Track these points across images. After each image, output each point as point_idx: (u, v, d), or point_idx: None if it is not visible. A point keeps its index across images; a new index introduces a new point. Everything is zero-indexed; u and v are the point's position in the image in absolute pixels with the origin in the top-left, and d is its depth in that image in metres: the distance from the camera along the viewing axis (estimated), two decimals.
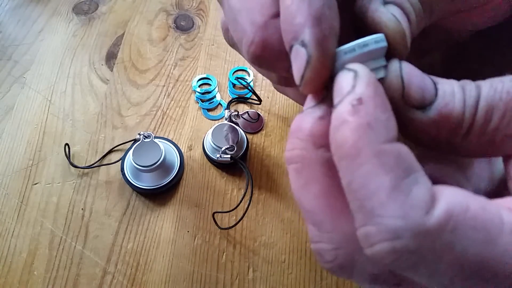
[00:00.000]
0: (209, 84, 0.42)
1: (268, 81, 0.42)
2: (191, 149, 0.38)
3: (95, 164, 0.37)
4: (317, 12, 0.14)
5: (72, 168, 0.37)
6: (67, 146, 0.37)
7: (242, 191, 0.36)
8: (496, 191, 0.16)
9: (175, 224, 0.34)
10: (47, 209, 0.35)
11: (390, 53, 0.15)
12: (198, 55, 0.44)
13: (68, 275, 0.32)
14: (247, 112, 0.39)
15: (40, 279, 0.32)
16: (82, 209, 0.35)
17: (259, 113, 0.40)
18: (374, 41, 0.14)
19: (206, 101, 0.41)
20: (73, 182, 0.36)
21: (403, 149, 0.12)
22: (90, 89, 0.42)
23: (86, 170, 0.37)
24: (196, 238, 0.34)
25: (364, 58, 0.14)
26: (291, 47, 0.14)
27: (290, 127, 0.15)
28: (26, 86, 0.42)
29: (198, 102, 0.41)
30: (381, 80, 0.14)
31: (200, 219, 0.35)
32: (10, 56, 0.45)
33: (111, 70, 0.43)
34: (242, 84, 0.41)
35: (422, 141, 0.15)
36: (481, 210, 0.12)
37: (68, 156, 0.37)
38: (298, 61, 0.14)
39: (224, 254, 0.33)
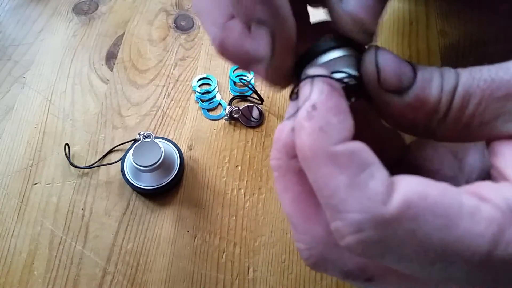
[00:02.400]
0: (209, 84, 0.42)
1: None
2: (191, 149, 0.38)
3: (95, 164, 0.37)
4: None
5: (72, 168, 0.37)
6: (67, 146, 0.37)
7: (242, 191, 0.36)
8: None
9: (175, 224, 0.34)
10: (47, 209, 0.35)
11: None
12: (198, 55, 0.44)
13: (68, 275, 0.32)
14: (247, 106, 0.39)
15: (40, 279, 0.32)
16: (82, 209, 0.35)
17: (259, 108, 0.40)
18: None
19: (206, 101, 0.41)
20: (73, 182, 0.36)
21: (357, 147, 0.13)
22: (90, 89, 0.42)
23: (86, 170, 0.37)
24: (196, 238, 0.34)
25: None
26: (251, 29, 0.15)
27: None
28: (26, 86, 0.42)
29: (198, 102, 0.41)
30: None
31: (200, 219, 0.35)
32: (10, 56, 0.45)
33: (111, 70, 0.43)
34: (243, 82, 0.41)
35: (400, 125, 0.16)
36: (440, 197, 0.12)
37: (68, 156, 0.37)
38: (258, 38, 0.15)
39: (224, 254, 0.33)
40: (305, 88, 0.14)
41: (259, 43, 0.15)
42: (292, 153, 0.15)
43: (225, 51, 0.16)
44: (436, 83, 0.14)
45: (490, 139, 0.15)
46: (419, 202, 0.12)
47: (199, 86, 0.42)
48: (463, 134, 0.15)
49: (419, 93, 0.14)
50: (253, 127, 0.39)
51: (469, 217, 0.12)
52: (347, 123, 0.14)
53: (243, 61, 0.16)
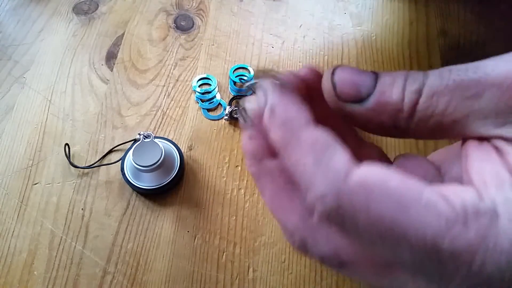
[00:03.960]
0: (209, 84, 0.42)
1: None
2: (191, 149, 0.38)
3: (95, 164, 0.37)
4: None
5: (72, 168, 0.37)
6: (67, 146, 0.37)
7: (242, 191, 0.36)
8: None
9: (175, 224, 0.34)
10: (47, 209, 0.35)
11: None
12: (198, 55, 0.44)
13: (68, 275, 0.32)
14: None
15: (40, 279, 0.32)
16: (82, 209, 0.35)
17: None
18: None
19: (206, 101, 0.41)
20: (73, 182, 0.36)
21: (319, 131, 0.15)
22: (90, 89, 0.42)
23: (86, 170, 0.37)
24: (196, 238, 0.34)
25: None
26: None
27: None
28: (26, 86, 0.42)
29: (198, 102, 0.41)
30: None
31: (200, 219, 0.35)
32: (10, 56, 0.45)
33: (111, 70, 0.43)
34: (242, 82, 0.41)
35: (369, 128, 0.17)
36: (401, 184, 0.14)
37: (68, 156, 0.37)
38: None
39: (224, 254, 0.33)
40: (258, 96, 0.17)
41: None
42: (259, 157, 0.18)
43: None
44: (398, 85, 0.16)
45: (464, 137, 0.16)
46: (377, 184, 0.14)
47: (199, 86, 0.42)
48: (438, 131, 0.16)
49: (379, 98, 0.16)
50: None
51: (423, 207, 0.13)
52: (305, 112, 0.16)
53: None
